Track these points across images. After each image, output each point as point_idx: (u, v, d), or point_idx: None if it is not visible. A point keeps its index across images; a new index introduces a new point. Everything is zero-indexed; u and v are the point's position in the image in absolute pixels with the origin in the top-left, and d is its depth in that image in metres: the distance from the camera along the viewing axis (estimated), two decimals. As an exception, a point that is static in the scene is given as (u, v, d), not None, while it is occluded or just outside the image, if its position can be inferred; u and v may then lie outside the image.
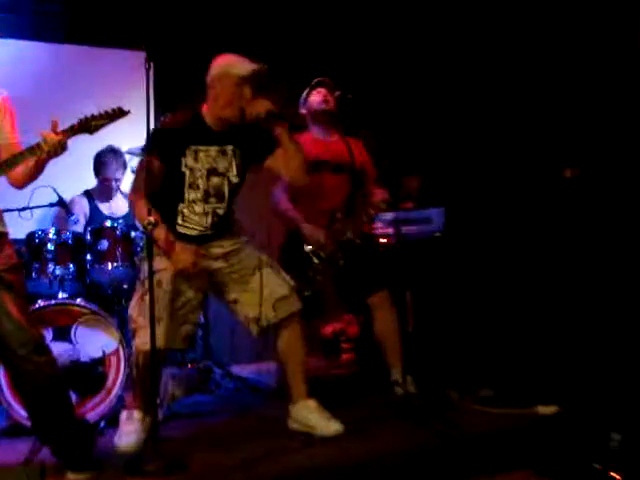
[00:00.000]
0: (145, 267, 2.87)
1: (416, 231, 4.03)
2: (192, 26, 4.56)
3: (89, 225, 3.85)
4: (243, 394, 3.99)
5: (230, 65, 2.99)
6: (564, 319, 3.63)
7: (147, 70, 2.85)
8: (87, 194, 4.16)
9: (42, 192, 3.58)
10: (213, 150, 3.04)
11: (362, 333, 4.19)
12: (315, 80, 3.77)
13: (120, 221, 3.78)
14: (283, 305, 3.07)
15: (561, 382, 3.34)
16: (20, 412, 3.15)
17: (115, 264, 3.64)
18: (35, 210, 3.74)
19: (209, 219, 3.06)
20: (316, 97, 3.75)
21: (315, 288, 3.61)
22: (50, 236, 3.58)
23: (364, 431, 3.04)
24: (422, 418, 3.09)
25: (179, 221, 3.03)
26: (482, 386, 3.58)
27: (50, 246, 3.56)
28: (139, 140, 3.43)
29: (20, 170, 2.64)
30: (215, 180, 3.05)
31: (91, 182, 4.22)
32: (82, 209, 4.09)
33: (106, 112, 2.66)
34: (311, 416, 3.04)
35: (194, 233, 3.05)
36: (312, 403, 3.08)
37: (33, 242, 3.57)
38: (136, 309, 2.96)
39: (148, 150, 2.93)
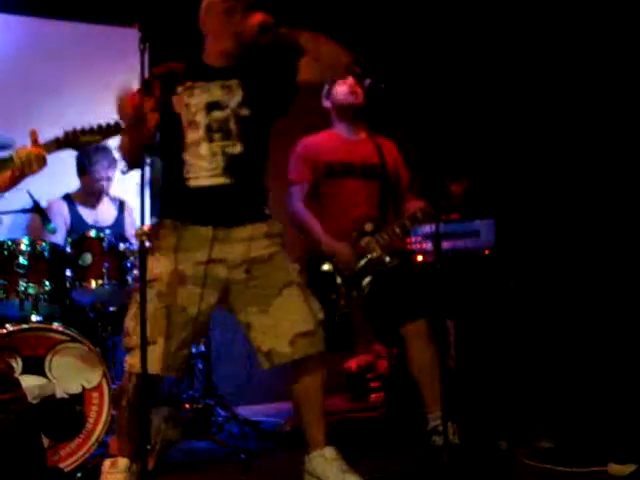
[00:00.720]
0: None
1: (460, 247, 3.88)
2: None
3: (70, 235, 3.72)
4: (251, 441, 3.76)
5: None
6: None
7: (142, 52, 2.64)
8: (67, 198, 4.03)
9: (14, 196, 3.32)
10: (213, 85, 2.88)
11: (393, 369, 4.10)
12: None
13: (107, 231, 3.63)
14: (303, 343, 2.85)
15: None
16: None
17: (100, 282, 3.46)
18: (4, 216, 3.64)
19: (219, 160, 2.82)
20: (342, 88, 3.61)
21: (340, 313, 3.47)
22: (22, 247, 3.41)
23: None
24: (464, 476, 2.92)
25: (185, 173, 2.81)
26: (540, 436, 3.34)
27: (22, 259, 3.39)
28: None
29: None
30: (217, 114, 2.85)
31: (73, 184, 4.08)
32: (61, 216, 3.95)
33: (100, 127, 2.59)
34: (328, 468, 2.88)
35: (206, 183, 2.80)
36: (329, 453, 2.91)
37: (1, 254, 3.39)
38: (132, 323, 2.78)
39: (141, 95, 2.71)
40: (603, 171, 3.91)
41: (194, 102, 2.83)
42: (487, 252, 3.86)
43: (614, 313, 3.67)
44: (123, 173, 3.30)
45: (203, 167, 2.81)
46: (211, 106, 2.84)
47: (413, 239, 3.82)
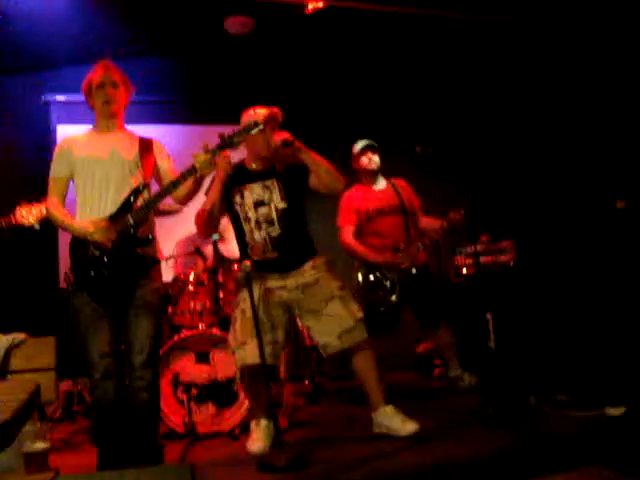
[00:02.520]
0: (235, 300, 3.35)
1: (491, 261, 4.23)
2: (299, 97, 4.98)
3: (216, 267, 4.28)
4: (349, 404, 4.21)
5: (249, 117, 3.28)
6: (629, 331, 3.78)
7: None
8: (214, 243, 4.63)
9: (182, 242, 4.27)
10: (256, 186, 3.31)
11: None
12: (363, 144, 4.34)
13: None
14: (348, 336, 3.26)
15: (627, 387, 3.51)
16: (172, 420, 3.62)
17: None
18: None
19: (268, 243, 3.29)
20: (363, 159, 4.32)
21: (388, 305, 4.06)
22: (190, 279, 4.08)
23: (455, 434, 3.30)
24: (506, 422, 3.31)
25: (249, 251, 3.29)
26: (558, 392, 3.75)
27: (191, 287, 4.05)
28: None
29: (181, 190, 3.01)
30: (262, 210, 3.29)
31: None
32: (209, 256, 4.62)
33: (243, 127, 2.97)
34: (391, 420, 3.27)
35: (262, 258, 3.28)
36: (389, 409, 3.30)
37: (178, 283, 4.10)
38: (230, 335, 3.35)
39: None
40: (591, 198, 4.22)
41: (245, 202, 3.25)
42: (511, 264, 4.20)
43: (603, 298, 3.93)
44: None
45: (260, 248, 3.28)
46: (257, 204, 3.27)
47: (459, 257, 4.21)
